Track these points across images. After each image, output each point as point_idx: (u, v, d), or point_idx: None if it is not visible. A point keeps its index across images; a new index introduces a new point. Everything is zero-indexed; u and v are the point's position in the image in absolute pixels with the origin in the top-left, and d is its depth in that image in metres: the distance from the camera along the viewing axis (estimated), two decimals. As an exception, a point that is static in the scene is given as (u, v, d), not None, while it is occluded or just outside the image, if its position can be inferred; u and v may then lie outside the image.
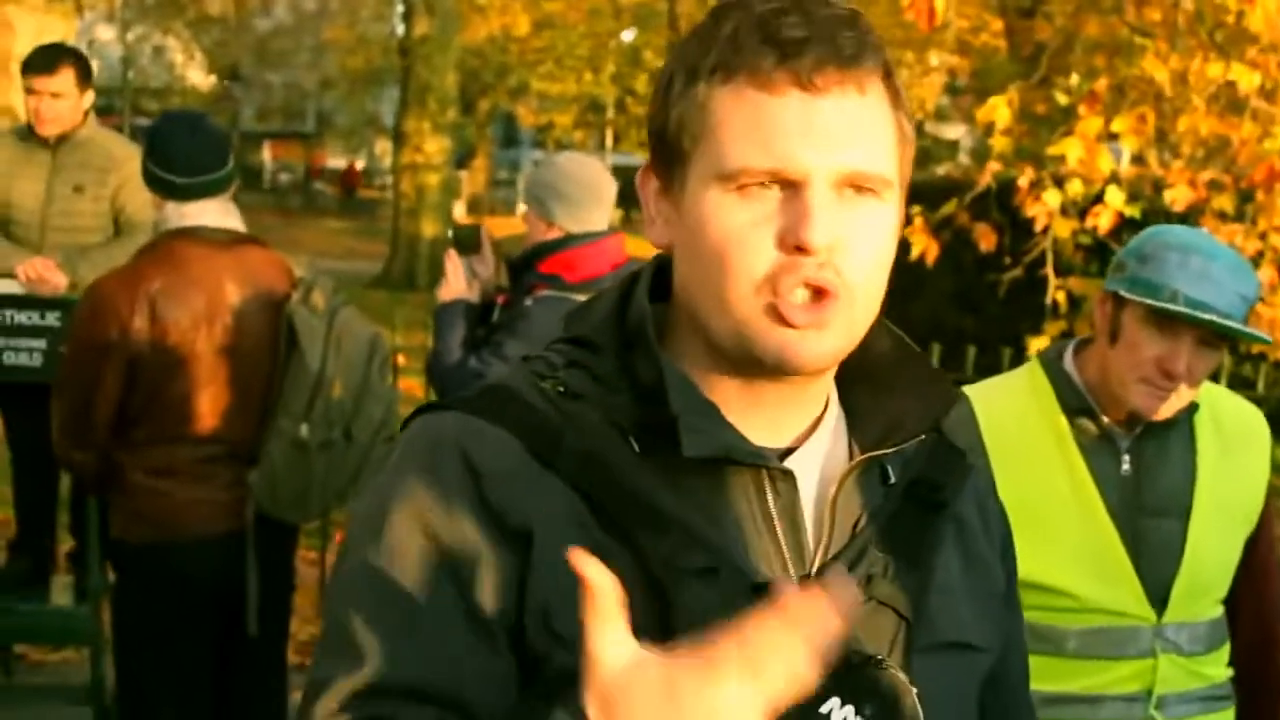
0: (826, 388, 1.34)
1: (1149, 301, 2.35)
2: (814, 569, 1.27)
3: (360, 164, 46.49)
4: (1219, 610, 2.52)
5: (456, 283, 4.07)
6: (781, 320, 1.22)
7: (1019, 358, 7.42)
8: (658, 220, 1.31)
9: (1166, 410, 2.41)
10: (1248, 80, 7.22)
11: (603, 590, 1.06)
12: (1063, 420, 2.48)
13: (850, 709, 1.21)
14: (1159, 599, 2.43)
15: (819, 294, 1.21)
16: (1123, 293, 2.41)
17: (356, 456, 3.98)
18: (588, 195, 3.98)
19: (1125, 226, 7.68)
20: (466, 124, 35.07)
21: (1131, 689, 2.42)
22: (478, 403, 1.29)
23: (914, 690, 1.24)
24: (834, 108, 1.21)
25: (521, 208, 4.27)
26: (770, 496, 1.27)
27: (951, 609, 1.34)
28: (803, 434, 1.32)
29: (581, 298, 3.86)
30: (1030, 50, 17.15)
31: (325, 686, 1.21)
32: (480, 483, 1.23)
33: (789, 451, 1.30)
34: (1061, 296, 7.70)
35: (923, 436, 1.35)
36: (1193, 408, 2.50)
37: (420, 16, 21.89)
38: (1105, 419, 2.47)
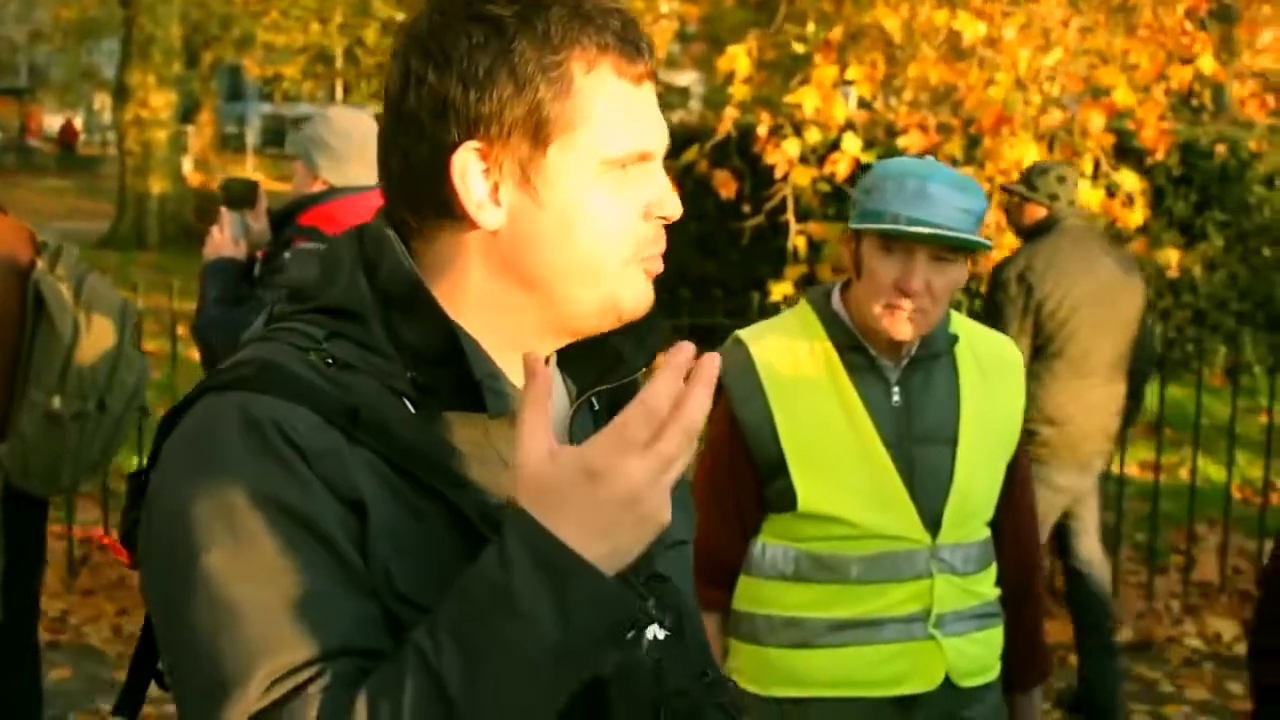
0: None
1: (874, 227, 2.47)
2: None
3: (78, 120, 44.61)
4: (986, 532, 2.64)
5: (223, 239, 3.98)
6: (647, 275, 1.39)
7: (764, 301, 7.63)
8: (486, 203, 1.33)
9: (918, 329, 2.51)
10: (973, 29, 7.50)
11: (542, 380, 1.19)
12: (835, 357, 2.57)
13: (656, 625, 1.35)
14: (933, 523, 2.54)
15: None
16: (855, 226, 2.53)
17: (110, 426, 3.87)
18: (353, 149, 3.94)
19: (861, 172, 7.96)
20: (191, 77, 33.95)
21: (911, 609, 2.52)
22: (262, 381, 1.30)
23: (680, 591, 1.39)
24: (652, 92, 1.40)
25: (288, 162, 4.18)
26: None
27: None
28: None
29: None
30: (758, -3, 17.52)
31: (235, 685, 1.19)
32: (308, 459, 1.25)
33: None
34: (801, 242, 7.91)
35: (638, 375, 1.48)
36: (953, 339, 2.62)
37: (141, -35, 21.08)
38: (873, 352, 2.57)
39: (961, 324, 2.69)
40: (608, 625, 1.17)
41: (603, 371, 1.45)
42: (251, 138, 43.15)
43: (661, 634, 1.37)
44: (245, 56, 39.46)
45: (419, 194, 1.35)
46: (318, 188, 3.93)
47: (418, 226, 1.37)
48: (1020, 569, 2.74)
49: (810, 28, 8.75)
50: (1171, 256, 8.39)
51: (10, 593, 3.69)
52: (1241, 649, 5.99)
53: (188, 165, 25.34)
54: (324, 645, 1.20)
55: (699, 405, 1.16)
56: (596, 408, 1.52)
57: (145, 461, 1.35)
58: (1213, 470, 7.68)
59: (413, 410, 1.32)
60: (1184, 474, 7.47)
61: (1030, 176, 5.27)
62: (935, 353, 2.60)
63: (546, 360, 1.40)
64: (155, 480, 1.30)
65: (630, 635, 1.31)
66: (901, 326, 2.49)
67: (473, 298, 1.37)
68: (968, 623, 2.58)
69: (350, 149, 3.94)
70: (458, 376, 1.32)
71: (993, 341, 2.74)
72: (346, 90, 42.92)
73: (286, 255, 3.86)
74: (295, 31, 36.56)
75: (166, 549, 1.26)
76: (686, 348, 1.18)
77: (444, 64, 1.32)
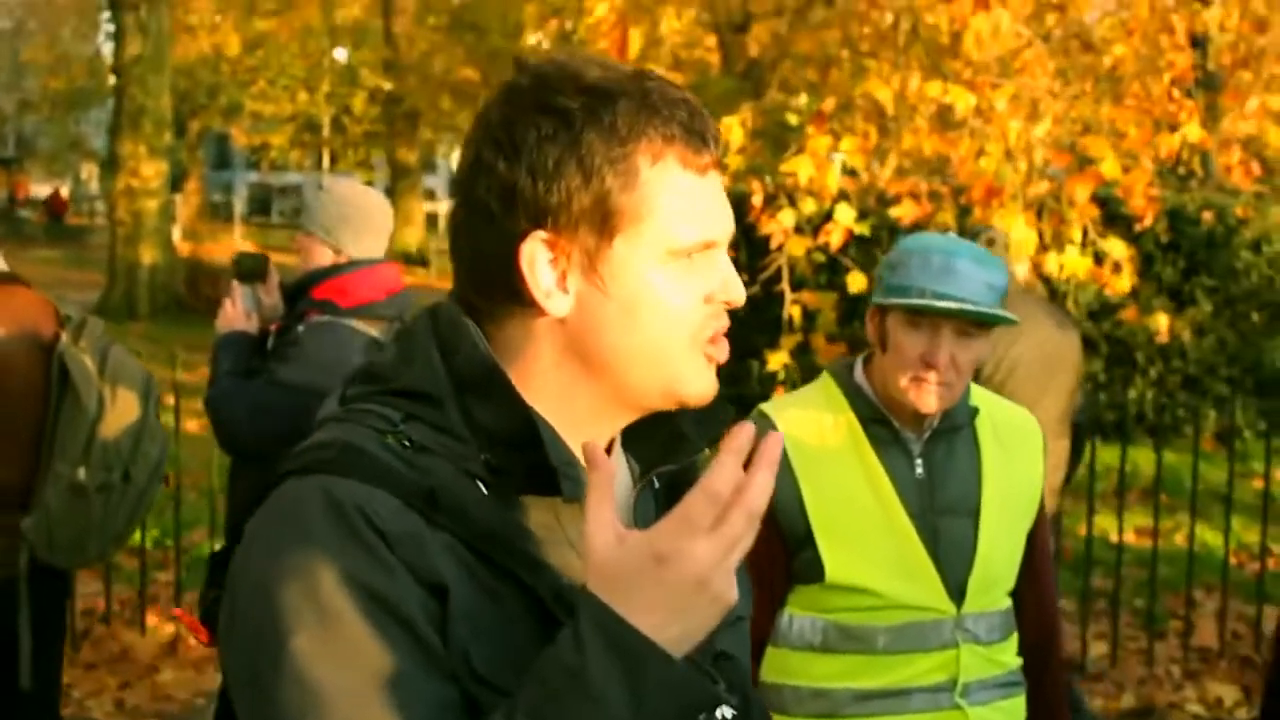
0: None
1: (901, 302, 2.54)
2: None
3: (65, 189, 44.71)
4: (1009, 601, 2.70)
5: (235, 313, 4.02)
6: (711, 361, 1.42)
7: (762, 371, 7.70)
8: (555, 291, 1.37)
9: (943, 403, 2.58)
10: (964, 101, 7.62)
11: (605, 470, 1.23)
12: (859, 429, 2.64)
13: (725, 707, 1.37)
14: (958, 593, 2.60)
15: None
16: (880, 301, 2.59)
17: (134, 498, 3.90)
18: (367, 222, 4.00)
19: (854, 242, 8.04)
20: (178, 146, 34.09)
21: (937, 679, 2.58)
22: (336, 464, 1.33)
23: (743, 668, 1.41)
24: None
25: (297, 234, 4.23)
26: None
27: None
28: None
29: (355, 323, 3.91)
30: (744, 65, 17.68)
31: None
32: (389, 543, 1.28)
33: None
34: (797, 311, 7.98)
35: (705, 452, 1.50)
36: (974, 412, 2.69)
37: (132, 36, 21.19)
38: (896, 425, 2.64)
39: (982, 397, 2.75)
40: (678, 708, 1.20)
41: (666, 452, 1.48)
42: (239, 206, 43.30)
43: (730, 713, 1.40)
44: (232, 125, 39.69)
45: (489, 280, 1.39)
46: (329, 260, 3.98)
47: (488, 310, 1.40)
48: (1041, 636, 2.80)
49: (803, 99, 8.86)
50: (1161, 322, 8.47)
51: (36, 664, 3.71)
52: (1242, 714, 6.02)
53: (177, 235, 25.37)
54: None
55: (761, 487, 1.20)
56: (657, 486, 1.54)
57: (222, 540, 1.39)
58: (1209, 536, 7.73)
59: (485, 493, 1.35)
60: (1180, 539, 7.52)
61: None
62: (957, 425, 2.66)
63: (611, 442, 1.45)
64: (240, 560, 1.33)
65: (701, 718, 1.32)
66: (927, 399, 2.55)
67: (542, 381, 1.39)
68: (992, 691, 2.63)
69: (361, 220, 3.99)
70: (533, 461, 1.34)
71: (1011, 413, 2.80)
72: (334, 159, 43.18)
73: (300, 329, 3.90)
74: (283, 100, 36.84)
75: (252, 628, 1.29)
76: (747, 429, 1.22)
77: (513, 155, 1.35)
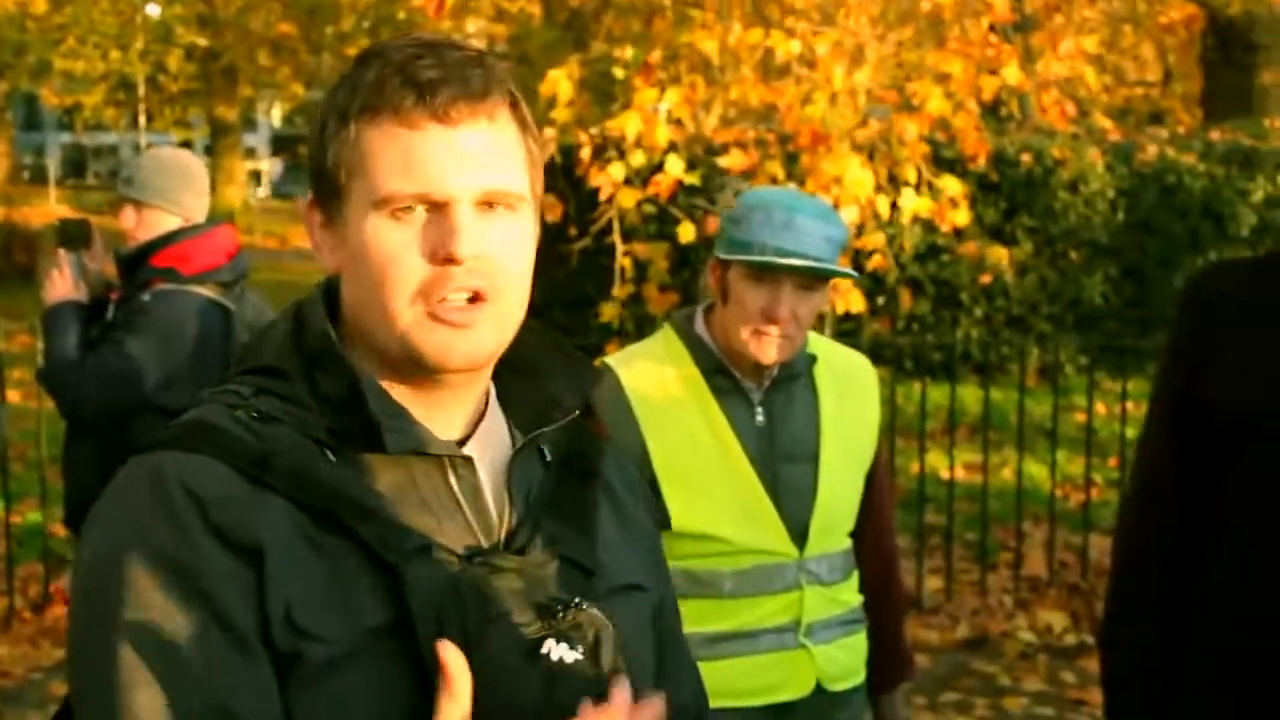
0: (485, 382, 1.49)
1: (744, 258, 2.57)
2: (501, 539, 1.43)
3: None
4: (849, 542, 2.76)
5: (64, 283, 3.93)
6: (440, 322, 1.37)
7: (596, 321, 7.71)
8: (323, 248, 1.44)
9: (783, 354, 2.62)
10: (786, 48, 7.68)
11: (460, 678, 1.24)
12: (700, 380, 2.66)
13: (564, 646, 1.36)
14: (800, 536, 2.65)
15: (474, 298, 1.37)
16: (723, 255, 2.62)
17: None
18: (189, 187, 3.95)
19: (683, 191, 8.07)
20: (-15, 108, 32.91)
21: (782, 620, 2.63)
22: (182, 439, 1.37)
23: (611, 623, 1.40)
24: (468, 136, 1.37)
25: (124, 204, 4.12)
26: (454, 481, 1.42)
27: (619, 558, 1.53)
28: (470, 424, 1.46)
29: (198, 289, 3.86)
30: (565, 16, 17.59)
31: None
32: (206, 509, 1.31)
33: (462, 442, 1.45)
34: (628, 262, 8.00)
35: (576, 414, 1.52)
36: (811, 360, 2.73)
37: (-69, -5, 20.35)
38: (737, 374, 2.66)
39: (819, 344, 2.80)
40: None
41: (539, 415, 1.49)
42: (53, 168, 41.98)
43: (570, 656, 1.37)
44: (42, 85, 38.38)
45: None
46: (157, 227, 3.93)
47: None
48: (880, 575, 2.86)
49: (629, 52, 8.85)
50: (1001, 255, 8.70)
51: None
52: (1071, 639, 6.25)
53: (-13, 199, 24.51)
54: (192, 706, 1.27)
55: None
56: (549, 457, 1.53)
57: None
58: (1035, 469, 7.96)
59: (332, 458, 1.37)
60: (1008, 474, 7.74)
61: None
62: (795, 373, 2.70)
63: (484, 410, 1.47)
64: (82, 534, 1.38)
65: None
66: (769, 352, 2.59)
67: (352, 341, 1.43)
68: (835, 630, 2.69)
69: (185, 187, 3.96)
70: (362, 420, 1.37)
71: (848, 358, 2.85)
72: (150, 118, 42.04)
73: (145, 297, 3.87)
74: (95, 59, 35.69)
75: (76, 603, 1.35)
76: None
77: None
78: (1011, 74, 8.05)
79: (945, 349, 10.13)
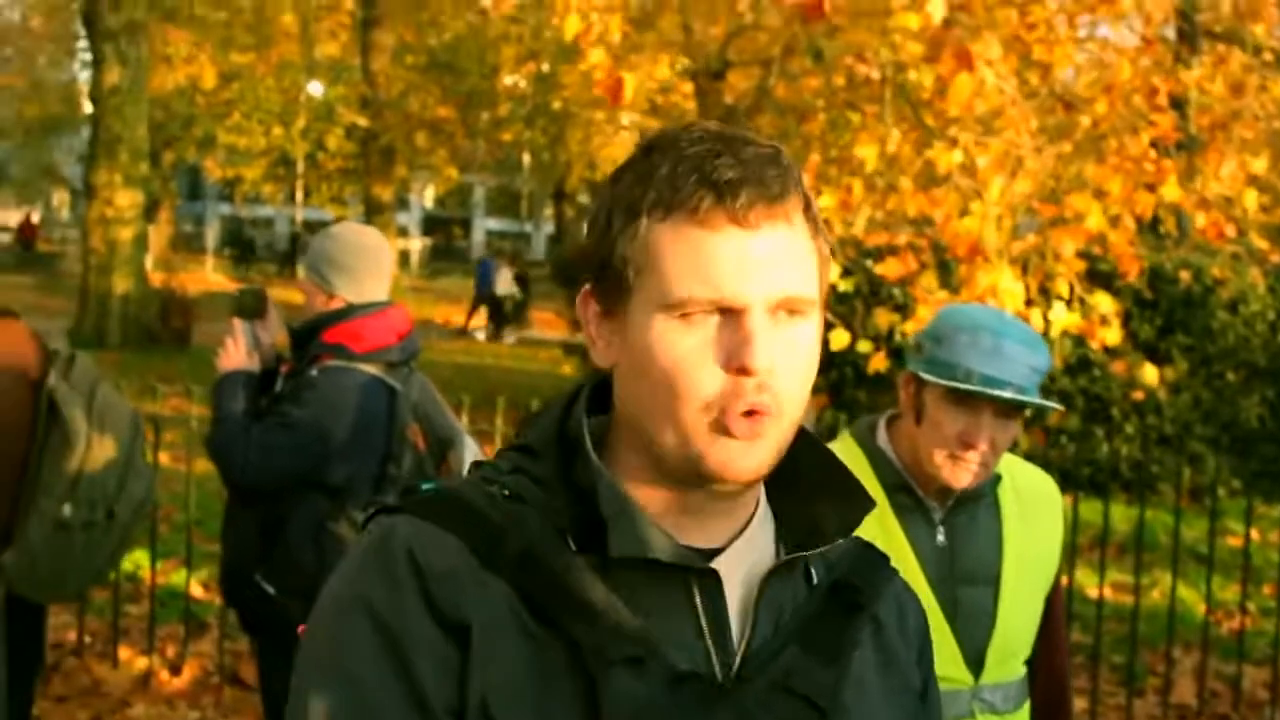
0: (756, 493, 1.42)
1: (946, 382, 2.47)
2: (737, 661, 1.35)
3: (36, 216, 44.53)
4: (1024, 670, 2.66)
5: (238, 352, 4.00)
6: (725, 433, 1.31)
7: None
8: (599, 342, 1.39)
9: (976, 480, 2.53)
10: (948, 159, 7.64)
11: None
12: (881, 495, 2.57)
13: None
14: (976, 663, 2.56)
15: (753, 412, 1.31)
16: (922, 374, 2.53)
17: (117, 535, 3.87)
18: (367, 265, 3.99)
19: (834, 296, 8.05)
20: (152, 176, 34.01)
21: None
22: (425, 507, 1.37)
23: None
24: (765, 241, 1.31)
25: (300, 275, 4.21)
26: (696, 593, 1.35)
27: (866, 704, 1.43)
28: (733, 536, 1.40)
29: (367, 368, 3.90)
30: (720, 112, 17.68)
31: None
32: (425, 581, 1.30)
33: (719, 551, 1.38)
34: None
35: (840, 540, 1.44)
36: (996, 479, 2.65)
37: (111, 66, 21.11)
38: (920, 492, 2.59)
39: (1004, 462, 2.70)
40: None
41: (804, 537, 1.43)
42: (210, 238, 43.14)
43: None
44: (206, 157, 39.58)
45: None
46: (334, 305, 3.97)
47: None
48: (1052, 696, 2.78)
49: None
50: (1151, 373, 8.52)
51: (10, 697, 3.66)
52: (1221, 774, 6.02)
53: (149, 265, 25.26)
54: None
55: None
56: (815, 580, 1.46)
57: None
58: (1187, 593, 7.73)
59: (573, 546, 1.33)
60: (1158, 596, 7.52)
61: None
62: (980, 493, 2.62)
63: (748, 522, 1.41)
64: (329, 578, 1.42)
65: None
66: (963, 478, 2.51)
67: (616, 436, 1.40)
68: (1005, 760, 2.59)
69: (363, 265, 3.98)
70: (593, 515, 1.33)
71: (1034, 477, 2.77)
72: (307, 194, 43.12)
73: (314, 372, 3.90)
74: (257, 134, 36.76)
75: (304, 637, 1.38)
76: None
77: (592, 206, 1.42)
78: (1170, 191, 7.94)
79: (1094, 464, 9.92)
